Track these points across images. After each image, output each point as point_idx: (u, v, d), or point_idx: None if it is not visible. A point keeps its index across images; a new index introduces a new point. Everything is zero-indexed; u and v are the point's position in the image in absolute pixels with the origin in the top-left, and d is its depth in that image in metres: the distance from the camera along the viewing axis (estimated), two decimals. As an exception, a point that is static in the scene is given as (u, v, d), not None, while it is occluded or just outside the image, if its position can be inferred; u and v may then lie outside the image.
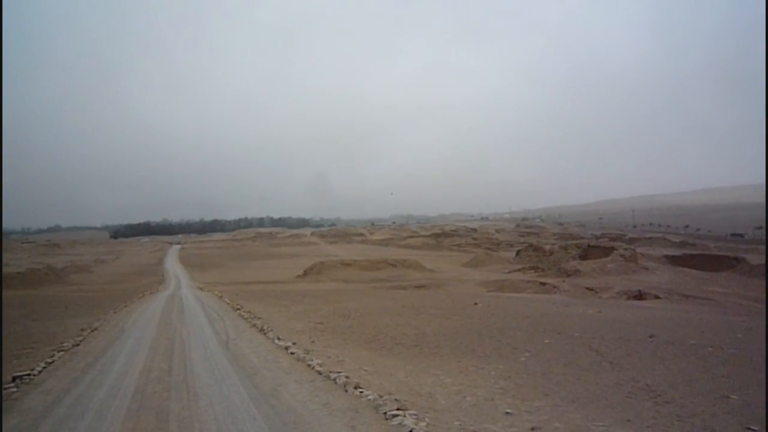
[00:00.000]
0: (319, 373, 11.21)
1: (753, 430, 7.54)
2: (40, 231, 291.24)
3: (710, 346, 14.33)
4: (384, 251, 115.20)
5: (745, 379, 10.53)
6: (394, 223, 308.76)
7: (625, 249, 73.63)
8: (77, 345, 15.82)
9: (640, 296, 42.01)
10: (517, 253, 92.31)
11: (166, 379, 11.21)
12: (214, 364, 12.64)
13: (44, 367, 12.44)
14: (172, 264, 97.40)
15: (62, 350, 14.66)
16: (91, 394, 9.97)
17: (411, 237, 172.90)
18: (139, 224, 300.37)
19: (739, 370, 11.38)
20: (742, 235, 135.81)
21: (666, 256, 77.81)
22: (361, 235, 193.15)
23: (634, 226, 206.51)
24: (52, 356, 13.70)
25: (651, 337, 15.99)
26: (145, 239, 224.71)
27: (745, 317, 25.61)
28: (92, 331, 18.91)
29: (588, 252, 77.02)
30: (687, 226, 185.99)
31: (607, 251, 72.00)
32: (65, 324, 21.00)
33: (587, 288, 46.82)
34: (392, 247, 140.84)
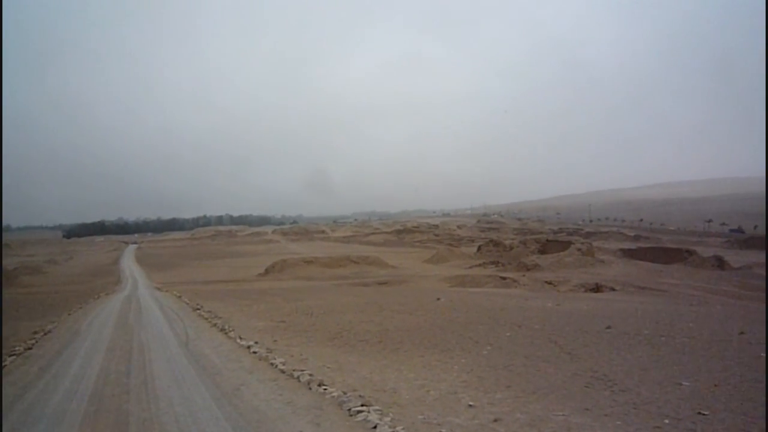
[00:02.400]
0: (282, 371, 11.13)
1: (704, 414, 7.82)
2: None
3: (663, 336, 14.81)
4: (346, 248, 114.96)
5: (696, 367, 10.92)
6: (356, 220, 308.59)
7: (582, 243, 75.48)
8: (30, 348, 15.33)
9: (597, 289, 43.16)
10: (479, 248, 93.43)
11: (124, 381, 10.95)
12: (174, 365, 12.41)
13: (-6, 373, 11.96)
14: (129, 264, 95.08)
15: (14, 354, 14.16)
16: (46, 399, 9.66)
17: (373, 234, 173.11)
18: (94, 223, 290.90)
19: (691, 358, 11.80)
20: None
21: (621, 250, 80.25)
22: (323, 232, 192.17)
23: (591, 221, 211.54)
24: (3, 361, 13.19)
25: (608, 328, 16.43)
26: (99, 239, 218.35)
27: (696, 307, 26.59)
28: (45, 334, 18.36)
29: (546, 246, 78.59)
30: (641, 220, 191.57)
31: (564, 245, 73.62)
32: (16, 327, 20.26)
33: (546, 281, 47.82)
34: (354, 243, 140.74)
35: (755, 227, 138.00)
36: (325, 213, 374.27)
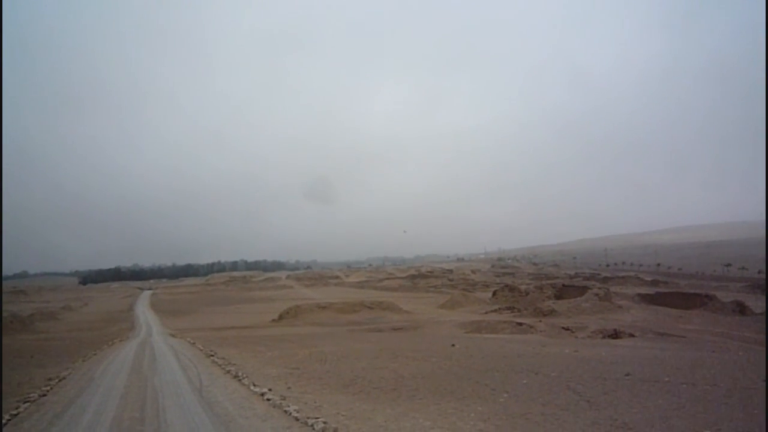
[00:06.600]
0: (296, 419, 11.02)
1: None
2: (6, 278, 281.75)
3: (684, 383, 14.48)
4: (360, 293, 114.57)
5: (719, 416, 10.66)
6: (370, 265, 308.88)
7: (599, 288, 74.50)
8: (44, 395, 15.32)
9: (615, 335, 42.29)
10: (494, 293, 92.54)
11: (138, 428, 10.93)
12: (188, 412, 12.35)
13: (9, 420, 11.99)
14: (143, 310, 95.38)
15: (28, 401, 14.16)
16: (59, 447, 9.62)
17: (387, 279, 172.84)
18: (110, 270, 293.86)
19: (713, 407, 11.52)
20: None
21: (639, 295, 78.99)
22: (337, 277, 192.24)
23: (607, 266, 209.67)
24: (17, 408, 13.20)
25: (627, 375, 16.11)
26: (115, 285, 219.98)
27: (717, 353, 25.97)
28: (60, 380, 18.34)
29: (563, 291, 77.68)
30: (659, 265, 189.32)
31: (581, 291, 72.69)
32: (31, 374, 20.28)
33: (563, 327, 47.00)
34: (368, 289, 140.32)
35: None
36: (339, 258, 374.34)
